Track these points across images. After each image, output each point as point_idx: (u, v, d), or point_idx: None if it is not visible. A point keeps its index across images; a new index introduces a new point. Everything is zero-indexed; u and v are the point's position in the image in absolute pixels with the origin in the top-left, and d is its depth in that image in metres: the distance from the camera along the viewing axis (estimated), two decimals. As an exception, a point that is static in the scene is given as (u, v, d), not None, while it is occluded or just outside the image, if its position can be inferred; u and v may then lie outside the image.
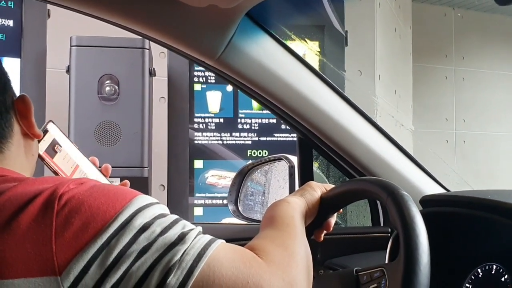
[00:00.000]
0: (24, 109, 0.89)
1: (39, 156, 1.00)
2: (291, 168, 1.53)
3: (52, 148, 1.06)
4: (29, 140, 0.91)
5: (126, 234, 0.69)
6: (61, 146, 1.07)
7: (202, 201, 3.75)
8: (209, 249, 0.72)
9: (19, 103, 0.89)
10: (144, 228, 0.70)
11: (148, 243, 0.69)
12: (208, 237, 0.75)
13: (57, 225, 0.68)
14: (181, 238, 0.71)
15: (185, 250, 0.70)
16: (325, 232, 1.04)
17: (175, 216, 0.75)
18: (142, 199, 0.74)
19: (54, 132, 1.06)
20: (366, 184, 0.96)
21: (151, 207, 0.74)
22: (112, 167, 1.17)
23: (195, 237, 0.73)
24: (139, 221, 0.70)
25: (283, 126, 3.78)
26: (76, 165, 1.09)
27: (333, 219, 1.04)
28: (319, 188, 1.02)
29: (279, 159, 1.62)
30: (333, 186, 1.03)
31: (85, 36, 3.11)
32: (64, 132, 1.10)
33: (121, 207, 0.71)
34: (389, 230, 1.44)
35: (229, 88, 3.76)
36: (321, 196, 1.00)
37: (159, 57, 3.69)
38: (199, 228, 0.76)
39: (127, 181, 1.17)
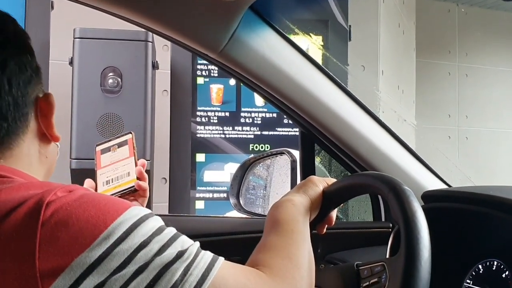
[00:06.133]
0: (46, 108, 0.85)
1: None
2: (293, 162, 1.53)
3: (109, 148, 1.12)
4: (46, 141, 0.86)
5: (121, 253, 0.64)
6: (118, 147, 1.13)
7: (203, 195, 3.76)
8: (213, 268, 0.69)
9: (42, 100, 0.84)
10: (141, 246, 0.66)
11: (145, 263, 0.65)
12: (210, 255, 0.72)
13: (42, 238, 0.63)
14: (179, 256, 0.68)
15: (185, 269, 0.67)
16: (327, 226, 1.04)
17: (172, 232, 0.71)
18: (134, 211, 0.69)
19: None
20: (368, 179, 0.96)
21: (147, 221, 0.69)
22: (115, 159, 1.18)
23: (196, 255, 0.70)
24: (137, 240, 0.66)
25: (285, 120, 3.78)
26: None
27: (334, 213, 1.03)
28: (321, 182, 1.00)
29: (281, 153, 1.62)
30: (334, 180, 1.02)
31: (88, 28, 3.11)
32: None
33: (113, 220, 0.66)
34: (390, 225, 1.44)
35: (232, 81, 3.76)
36: (323, 190, 0.99)
37: (162, 50, 3.68)
38: (197, 244, 0.73)
39: (144, 160, 1.18)
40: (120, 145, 1.16)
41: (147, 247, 0.66)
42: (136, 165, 1.15)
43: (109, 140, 1.17)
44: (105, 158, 1.14)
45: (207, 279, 0.68)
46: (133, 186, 1.11)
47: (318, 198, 0.98)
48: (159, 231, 0.69)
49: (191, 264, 0.68)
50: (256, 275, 0.73)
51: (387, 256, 1.02)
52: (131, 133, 1.18)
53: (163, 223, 0.72)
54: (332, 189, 0.99)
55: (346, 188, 0.99)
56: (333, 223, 1.03)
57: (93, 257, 0.63)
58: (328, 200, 0.99)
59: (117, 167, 1.13)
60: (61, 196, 0.67)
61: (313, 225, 0.99)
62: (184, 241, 0.71)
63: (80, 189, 0.70)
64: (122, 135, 1.18)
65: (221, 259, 0.72)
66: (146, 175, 1.16)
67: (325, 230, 1.03)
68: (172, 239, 0.69)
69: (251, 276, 0.73)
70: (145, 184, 1.14)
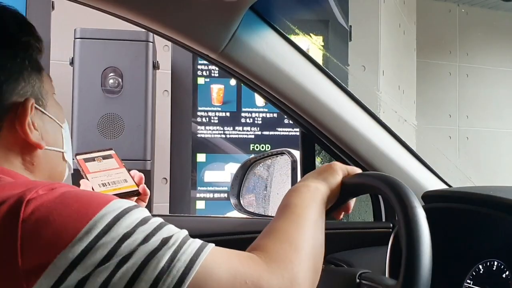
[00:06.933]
0: (20, 114, 0.81)
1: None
2: (294, 162, 1.53)
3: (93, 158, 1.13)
4: (32, 147, 0.84)
5: (104, 246, 0.63)
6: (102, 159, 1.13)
7: (204, 195, 3.76)
8: (203, 253, 0.67)
9: (19, 105, 0.81)
10: (125, 237, 0.64)
11: (129, 252, 0.64)
12: (198, 241, 0.70)
13: (23, 236, 0.62)
14: (164, 242, 0.66)
15: (172, 255, 0.65)
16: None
17: (158, 221, 0.69)
18: (118, 204, 0.68)
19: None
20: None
21: (130, 213, 0.68)
22: (115, 159, 1.18)
23: (183, 241, 0.68)
24: (120, 231, 0.65)
25: (286, 121, 3.77)
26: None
27: (353, 201, 1.01)
28: (342, 171, 0.97)
29: (282, 153, 1.62)
30: (357, 170, 1.00)
31: (89, 29, 3.11)
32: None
33: (94, 214, 0.65)
34: (391, 225, 1.44)
35: (233, 82, 3.76)
36: (343, 181, 0.96)
37: (163, 50, 3.68)
38: (185, 231, 0.71)
39: (136, 171, 1.18)
40: (104, 157, 1.17)
41: (131, 237, 0.65)
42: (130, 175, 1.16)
43: (89, 152, 1.17)
44: (92, 166, 1.14)
45: (196, 264, 0.66)
46: (137, 190, 1.12)
47: (337, 187, 0.95)
48: (143, 221, 0.67)
49: (178, 250, 0.66)
50: (250, 259, 0.71)
51: (387, 257, 1.02)
52: (111, 148, 1.19)
53: (149, 214, 0.70)
54: (352, 182, 0.97)
55: (365, 186, 0.96)
56: (350, 211, 1.01)
57: (76, 252, 0.62)
58: (346, 191, 0.96)
59: (109, 174, 1.14)
60: (43, 194, 0.66)
61: (329, 213, 0.96)
62: (171, 229, 0.69)
63: (63, 187, 0.69)
64: (103, 150, 1.19)
65: (211, 245, 0.70)
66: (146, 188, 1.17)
67: (341, 216, 1.01)
68: (158, 228, 0.68)
69: (244, 260, 0.71)
70: (147, 190, 1.15)
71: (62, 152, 0.92)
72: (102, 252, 0.63)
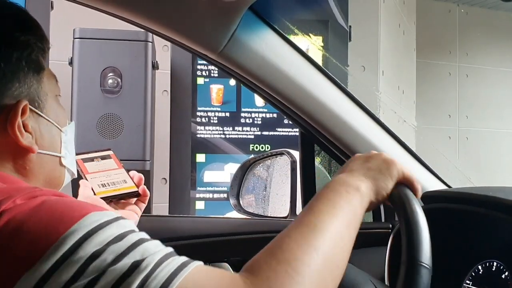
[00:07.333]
0: (11, 116, 0.78)
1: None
2: (293, 163, 1.53)
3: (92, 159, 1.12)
4: (24, 151, 0.80)
5: (71, 265, 0.57)
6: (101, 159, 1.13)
7: (204, 195, 3.76)
8: (175, 279, 0.58)
9: (11, 108, 0.78)
10: (94, 256, 0.58)
11: (97, 275, 0.57)
12: (176, 262, 0.60)
13: None
14: (135, 266, 0.58)
15: (142, 281, 0.57)
16: None
17: (135, 238, 0.62)
18: (94, 217, 0.62)
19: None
20: None
21: (105, 228, 0.61)
22: (114, 160, 1.18)
23: (157, 264, 0.59)
24: (88, 249, 0.58)
25: (285, 121, 3.77)
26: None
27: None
28: (398, 173, 0.83)
29: (281, 153, 1.62)
30: (412, 177, 0.87)
31: (88, 29, 3.11)
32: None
33: (66, 230, 0.59)
34: (390, 225, 1.44)
35: (232, 82, 3.76)
36: (394, 188, 0.83)
37: (162, 50, 3.68)
38: (163, 251, 0.62)
39: (136, 172, 1.17)
40: (103, 158, 1.16)
41: (100, 256, 0.59)
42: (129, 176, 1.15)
43: (88, 152, 1.17)
44: (91, 166, 1.14)
45: None
46: (137, 191, 1.12)
47: (384, 196, 0.81)
48: (118, 238, 0.61)
49: (149, 275, 0.58)
50: (232, 282, 0.60)
51: (387, 257, 1.02)
52: (109, 149, 1.19)
53: (128, 229, 0.63)
54: (401, 195, 0.84)
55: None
56: None
57: (42, 270, 0.57)
58: (392, 202, 0.84)
59: (109, 174, 1.13)
60: (20, 204, 0.62)
61: None
62: (146, 249, 0.61)
63: (45, 195, 0.65)
64: (101, 150, 1.18)
65: (194, 264, 0.61)
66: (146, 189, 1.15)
67: None
68: (131, 248, 0.60)
69: (226, 283, 0.60)
70: (147, 191, 1.14)
71: (60, 157, 0.88)
72: (69, 271, 0.57)
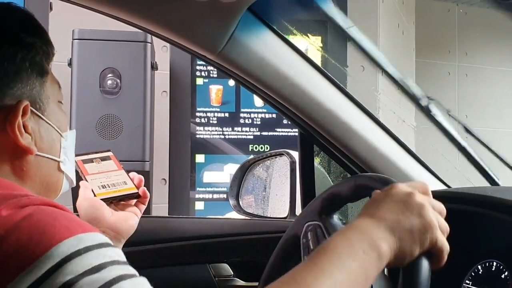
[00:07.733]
0: (12, 115, 0.77)
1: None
2: (292, 163, 1.53)
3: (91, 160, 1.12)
4: (22, 151, 0.79)
5: None
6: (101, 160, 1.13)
7: (203, 196, 3.76)
8: None
9: (11, 107, 0.77)
10: (66, 286, 0.55)
11: None
12: None
13: None
14: None
15: None
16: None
17: (117, 272, 0.58)
18: (76, 241, 0.58)
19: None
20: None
21: (85, 255, 0.58)
22: (113, 161, 1.18)
23: None
24: (59, 279, 0.55)
25: (284, 121, 3.78)
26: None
27: None
28: (429, 244, 0.71)
29: (281, 154, 1.62)
30: (446, 253, 0.75)
31: (87, 30, 3.10)
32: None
33: (43, 252, 0.56)
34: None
35: (231, 82, 3.76)
36: (415, 261, 0.71)
37: (161, 51, 3.68)
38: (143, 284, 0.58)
39: (136, 174, 1.17)
40: (103, 159, 1.16)
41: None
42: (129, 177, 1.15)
43: (87, 154, 1.16)
44: (91, 167, 1.13)
45: None
46: (137, 192, 1.11)
47: (405, 263, 0.69)
48: (94, 270, 0.57)
49: None
50: None
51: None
52: (109, 150, 1.18)
53: (109, 259, 0.59)
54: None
55: None
56: None
57: None
58: (404, 270, 0.72)
59: (109, 176, 1.13)
60: (5, 215, 0.60)
61: None
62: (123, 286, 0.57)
63: (33, 204, 0.63)
64: (101, 151, 1.18)
65: None
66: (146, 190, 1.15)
67: None
68: (111, 283, 0.56)
69: None
70: (147, 192, 1.13)
71: (58, 162, 0.87)
72: None
